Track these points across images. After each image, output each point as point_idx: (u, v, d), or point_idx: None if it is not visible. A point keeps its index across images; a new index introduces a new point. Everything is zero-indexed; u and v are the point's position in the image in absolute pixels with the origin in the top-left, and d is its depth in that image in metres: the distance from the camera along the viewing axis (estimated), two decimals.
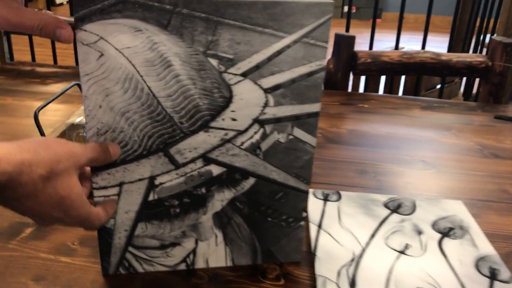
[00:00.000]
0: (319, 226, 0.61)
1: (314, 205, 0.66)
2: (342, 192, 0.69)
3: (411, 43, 4.11)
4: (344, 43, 1.16)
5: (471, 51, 2.32)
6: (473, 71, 1.18)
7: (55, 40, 0.40)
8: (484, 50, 2.26)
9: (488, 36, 2.23)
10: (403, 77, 1.92)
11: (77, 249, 0.56)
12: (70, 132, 0.73)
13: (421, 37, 1.92)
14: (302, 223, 0.53)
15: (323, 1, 0.43)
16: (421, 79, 1.80)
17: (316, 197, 0.68)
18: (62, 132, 0.72)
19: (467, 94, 2.13)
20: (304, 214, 0.53)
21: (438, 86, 2.04)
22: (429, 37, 1.90)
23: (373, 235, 0.60)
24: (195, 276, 0.53)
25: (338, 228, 0.61)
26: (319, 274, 0.52)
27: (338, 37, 1.16)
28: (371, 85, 1.77)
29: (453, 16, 1.87)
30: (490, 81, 1.18)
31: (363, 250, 0.57)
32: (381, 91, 1.98)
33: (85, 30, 0.40)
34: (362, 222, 0.62)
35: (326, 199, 0.67)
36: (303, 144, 0.48)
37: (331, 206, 0.66)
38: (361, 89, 2.15)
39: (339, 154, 0.82)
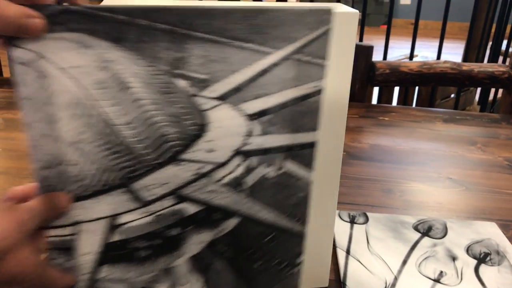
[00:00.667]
0: (347, 251, 0.58)
1: (340, 228, 0.62)
2: (369, 214, 0.66)
3: (422, 49, 4.07)
4: (362, 53, 1.13)
5: (486, 58, 2.29)
6: (495, 81, 1.15)
7: (17, 35, 0.32)
8: (500, 57, 2.22)
9: (504, 42, 2.19)
10: (417, 86, 1.89)
11: None
12: None
13: (431, 44, 1.89)
14: (297, 269, 0.46)
15: (320, 8, 0.36)
16: (436, 89, 1.77)
17: (342, 219, 0.64)
18: None
19: (483, 103, 2.09)
20: (299, 260, 0.46)
21: (453, 95, 2.00)
22: (436, 43, 1.87)
23: (405, 262, 0.56)
24: None
25: (367, 254, 0.58)
26: None
27: (355, 47, 1.13)
28: (385, 95, 1.74)
29: (469, 23, 1.84)
30: None
31: (396, 279, 0.53)
32: (395, 100, 1.95)
33: (20, 47, 0.33)
34: (392, 247, 0.59)
35: (352, 221, 0.64)
36: (296, 180, 0.41)
37: (358, 229, 0.62)
38: (374, 99, 2.11)
39: (362, 171, 0.79)
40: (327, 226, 0.50)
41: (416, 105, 1.93)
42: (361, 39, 1.75)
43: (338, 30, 0.43)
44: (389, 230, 0.62)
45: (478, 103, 2.15)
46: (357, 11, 0.43)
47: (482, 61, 2.28)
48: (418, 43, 2.15)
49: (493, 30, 2.21)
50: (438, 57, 1.80)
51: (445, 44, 2.07)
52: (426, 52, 3.20)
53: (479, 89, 2.16)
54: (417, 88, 1.90)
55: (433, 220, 0.65)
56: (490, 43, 2.27)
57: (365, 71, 1.14)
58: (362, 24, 1.75)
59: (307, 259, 0.51)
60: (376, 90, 1.88)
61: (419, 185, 0.75)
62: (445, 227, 0.64)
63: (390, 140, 0.91)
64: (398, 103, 1.94)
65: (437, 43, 1.87)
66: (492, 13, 2.18)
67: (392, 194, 0.72)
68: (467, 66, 1.14)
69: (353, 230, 0.62)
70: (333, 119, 0.46)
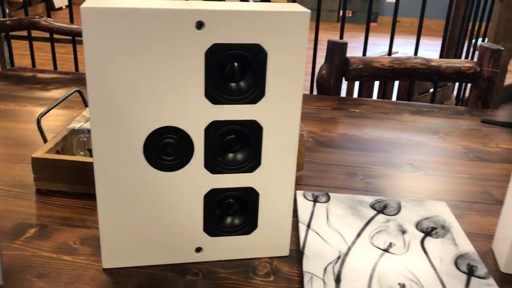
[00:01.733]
0: (308, 226, 0.64)
1: (304, 206, 0.69)
2: (331, 194, 0.72)
3: (405, 46, 4.15)
4: (337, 50, 1.19)
5: (463, 55, 2.36)
6: (462, 76, 1.22)
7: None
8: (477, 53, 2.30)
9: (480, 40, 2.27)
10: (396, 82, 1.96)
11: (78, 248, 0.59)
12: (71, 137, 0.76)
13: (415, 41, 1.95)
14: None
15: None
16: (414, 84, 1.84)
17: (306, 199, 0.71)
18: (64, 137, 0.76)
19: (459, 98, 2.17)
20: None
21: (432, 90, 2.08)
22: (424, 41, 1.94)
23: (359, 235, 0.63)
24: (190, 273, 0.56)
25: (326, 227, 0.64)
26: (306, 271, 0.56)
27: (330, 43, 1.20)
28: (365, 90, 1.81)
29: (445, 21, 1.91)
30: (478, 86, 1.22)
31: (349, 249, 0.60)
32: (375, 95, 2.02)
33: None
34: (349, 222, 0.66)
35: (315, 200, 0.71)
36: None
37: (320, 207, 0.69)
38: (356, 94, 2.19)
39: (329, 158, 0.85)
40: (286, 203, 0.57)
41: (396, 99, 2.00)
42: (341, 35, 1.81)
43: (291, 28, 0.49)
44: (348, 208, 0.69)
45: (456, 98, 2.22)
46: (309, 10, 0.50)
47: (460, 57, 2.36)
48: (403, 40, 2.21)
49: (470, 28, 2.29)
50: (416, 53, 1.87)
51: (429, 42, 2.15)
52: (409, 49, 3.27)
53: (457, 85, 2.24)
54: (396, 83, 1.98)
55: (389, 200, 0.72)
56: (468, 41, 2.34)
57: (339, 66, 1.21)
58: (343, 21, 1.81)
59: (270, 233, 0.58)
60: (357, 85, 1.95)
61: (381, 169, 0.82)
62: (399, 205, 0.70)
63: (358, 130, 0.97)
64: (377, 98, 2.01)
65: (421, 40, 1.94)
66: (469, 12, 2.26)
67: (355, 177, 0.79)
68: (436, 62, 1.21)
69: (315, 207, 0.69)
70: (288, 107, 0.52)
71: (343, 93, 2.01)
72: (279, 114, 0.53)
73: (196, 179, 0.54)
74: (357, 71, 1.20)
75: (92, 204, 0.68)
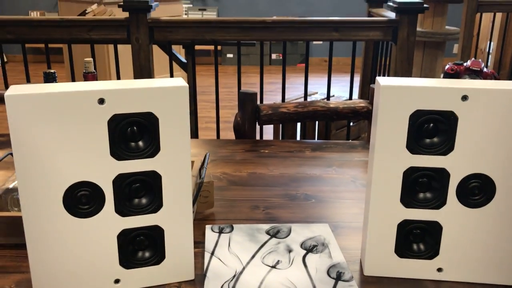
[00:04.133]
0: (212, 253, 0.78)
1: (210, 237, 0.82)
2: (235, 225, 0.86)
3: (331, 85, 4.45)
4: (248, 99, 1.36)
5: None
6: (357, 115, 1.42)
7: None
8: None
9: None
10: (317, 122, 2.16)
11: None
12: (6, 195, 0.87)
13: (340, 79, 2.17)
14: None
15: None
16: (329, 122, 2.04)
17: (213, 231, 0.84)
18: None
19: None
20: None
21: (351, 124, 2.30)
22: (346, 78, 2.15)
23: (253, 256, 0.77)
24: None
25: (227, 253, 0.78)
26: None
27: (242, 94, 1.36)
28: (290, 130, 2.00)
29: (351, 61, 2.15)
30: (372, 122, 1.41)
31: (244, 268, 0.74)
32: (298, 134, 2.21)
33: None
34: (247, 247, 0.79)
35: (221, 231, 0.84)
36: None
37: (224, 237, 0.83)
38: (280, 134, 2.36)
39: (238, 194, 0.99)
40: (187, 236, 0.70)
41: (318, 136, 2.20)
42: (262, 82, 2.00)
43: (174, 98, 0.64)
44: (247, 235, 0.83)
45: None
46: (186, 85, 0.65)
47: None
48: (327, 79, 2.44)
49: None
50: (328, 93, 2.09)
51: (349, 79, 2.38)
52: (332, 87, 3.56)
53: None
54: (317, 122, 2.18)
55: (282, 225, 0.86)
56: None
57: (252, 113, 1.37)
58: (261, 69, 2.00)
59: (176, 261, 0.70)
60: (281, 126, 2.13)
61: (279, 200, 0.97)
62: (289, 230, 0.85)
63: (264, 168, 1.13)
64: (300, 137, 2.21)
65: (344, 78, 2.16)
66: (378, 52, 2.53)
67: (257, 210, 0.93)
68: (334, 104, 1.40)
69: (220, 238, 0.82)
70: (180, 158, 0.66)
71: (270, 134, 2.19)
72: (173, 164, 0.67)
73: (109, 222, 0.66)
74: (268, 116, 1.37)
75: (26, 252, 0.78)
